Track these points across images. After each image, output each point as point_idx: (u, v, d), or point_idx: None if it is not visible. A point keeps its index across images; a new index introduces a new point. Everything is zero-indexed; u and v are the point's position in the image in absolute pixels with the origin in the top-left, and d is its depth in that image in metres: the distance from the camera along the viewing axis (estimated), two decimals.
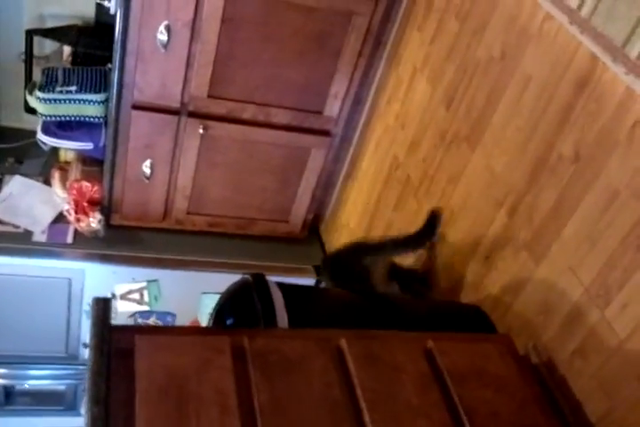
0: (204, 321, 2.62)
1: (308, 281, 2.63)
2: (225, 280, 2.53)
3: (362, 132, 2.52)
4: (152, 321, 2.59)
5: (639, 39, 1.20)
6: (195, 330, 1.44)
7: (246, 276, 1.49)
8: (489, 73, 1.70)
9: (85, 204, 2.48)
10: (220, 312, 1.43)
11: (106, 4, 2.25)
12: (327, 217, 2.79)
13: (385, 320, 1.50)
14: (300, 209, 2.68)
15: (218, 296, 2.58)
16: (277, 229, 2.72)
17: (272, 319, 1.35)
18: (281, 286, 1.47)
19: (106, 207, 2.54)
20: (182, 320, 2.60)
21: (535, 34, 1.51)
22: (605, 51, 1.28)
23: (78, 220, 2.46)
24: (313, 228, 2.79)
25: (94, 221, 2.45)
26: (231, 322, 1.40)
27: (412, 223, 2.03)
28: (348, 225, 2.55)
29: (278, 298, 1.41)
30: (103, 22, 2.53)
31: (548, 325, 1.37)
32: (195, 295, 2.57)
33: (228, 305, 1.46)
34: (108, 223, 2.55)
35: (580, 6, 1.36)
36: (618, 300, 1.21)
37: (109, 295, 2.50)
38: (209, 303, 2.58)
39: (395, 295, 1.71)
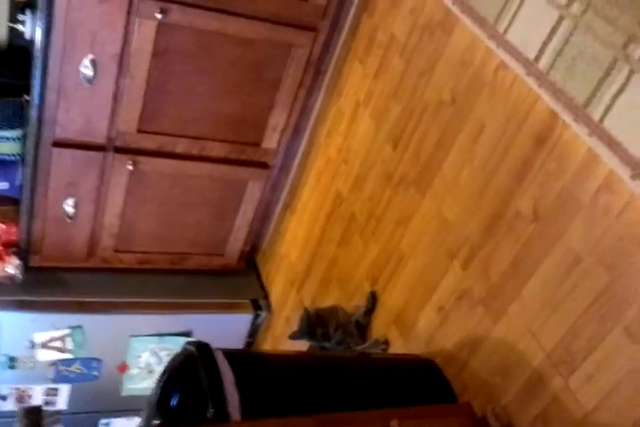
0: (134, 365, 2.47)
1: (246, 317, 2.52)
2: (154, 322, 2.42)
3: (301, 163, 2.43)
4: (75, 368, 2.41)
5: (601, 101, 1.16)
6: None
7: (190, 347, 1.36)
8: (438, 117, 1.65)
9: (0, 247, 2.28)
10: (165, 388, 1.31)
11: (20, 28, 2.07)
12: (264, 247, 2.69)
13: (335, 384, 1.41)
14: (236, 242, 2.56)
15: (149, 339, 2.46)
16: (212, 263, 2.59)
17: (221, 396, 1.24)
18: (227, 354, 1.35)
19: (23, 250, 2.34)
20: (109, 365, 2.43)
21: (489, 82, 1.46)
22: (566, 108, 1.24)
23: None
24: (249, 259, 2.68)
25: (10, 267, 2.25)
26: (176, 400, 1.28)
27: (357, 264, 1.96)
28: (288, 257, 2.45)
29: (226, 371, 1.30)
30: (16, 46, 2.34)
31: (507, 387, 1.32)
32: (122, 339, 2.41)
33: (173, 381, 1.33)
34: (26, 266, 2.35)
35: (537, 58, 1.32)
36: (583, 370, 1.17)
37: (27, 344, 2.31)
38: (138, 347, 2.43)
39: (341, 354, 1.62)
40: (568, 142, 1.24)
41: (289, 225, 2.48)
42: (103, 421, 2.61)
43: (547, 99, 1.28)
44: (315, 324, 1.72)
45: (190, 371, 1.30)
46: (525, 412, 1.26)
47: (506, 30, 1.40)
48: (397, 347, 1.69)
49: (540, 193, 1.30)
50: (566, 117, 1.23)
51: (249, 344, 2.59)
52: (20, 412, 0.95)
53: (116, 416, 2.60)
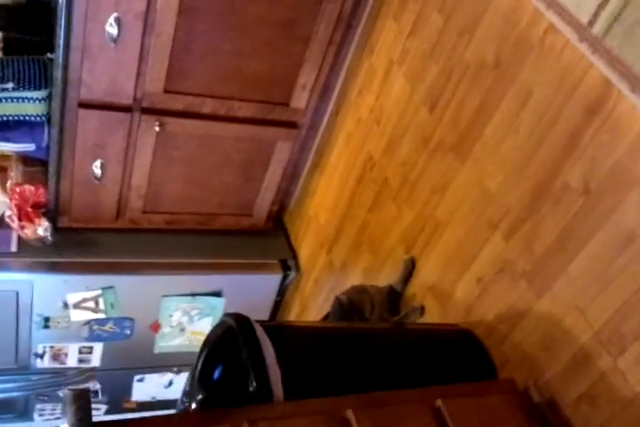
0: (166, 324, 2.50)
1: (275, 277, 2.52)
2: (185, 282, 2.43)
3: (330, 122, 2.36)
4: (108, 327, 2.44)
5: None
6: (186, 417, 1.25)
7: (229, 320, 1.36)
8: (480, 80, 1.57)
9: (29, 209, 2.26)
10: (206, 361, 1.31)
11: None
12: (292, 207, 2.66)
13: (374, 356, 1.41)
14: (264, 202, 2.53)
15: (181, 298, 2.48)
16: (240, 223, 2.57)
17: (263, 371, 1.24)
18: (266, 328, 1.35)
19: (52, 211, 2.33)
20: (142, 324, 2.46)
21: (536, 45, 1.38)
22: (622, 78, 1.16)
23: (22, 227, 2.24)
24: (277, 219, 2.66)
25: (40, 229, 2.25)
26: (218, 374, 1.28)
27: (389, 229, 1.93)
28: (317, 219, 2.43)
29: (267, 345, 1.29)
30: (36, 1, 2.26)
31: (551, 362, 1.30)
32: (154, 299, 2.43)
33: (214, 354, 1.33)
34: (55, 227, 2.34)
35: (591, 23, 1.24)
36: (633, 350, 1.14)
37: (61, 304, 2.34)
38: (170, 306, 2.45)
39: (378, 325, 1.61)
40: (623, 113, 1.17)
41: (318, 186, 2.44)
42: (137, 377, 2.67)
43: (601, 67, 1.21)
44: (348, 310, 1.70)
45: (231, 344, 1.29)
46: (570, 389, 1.24)
47: None
48: (434, 315, 1.68)
49: (590, 166, 1.24)
50: (622, 87, 1.16)
51: (277, 303, 2.60)
52: (69, 397, 0.94)
53: (149, 372, 2.66)
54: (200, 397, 1.25)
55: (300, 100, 2.25)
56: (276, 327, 1.39)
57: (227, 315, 1.41)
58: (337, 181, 2.29)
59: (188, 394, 1.37)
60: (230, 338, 1.30)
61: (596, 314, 1.22)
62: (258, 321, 1.39)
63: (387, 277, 1.91)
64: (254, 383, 1.22)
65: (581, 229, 1.26)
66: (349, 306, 1.67)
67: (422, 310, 1.74)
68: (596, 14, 1.22)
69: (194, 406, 1.27)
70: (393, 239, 1.90)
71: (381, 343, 1.44)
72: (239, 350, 1.28)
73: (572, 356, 1.25)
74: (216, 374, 1.28)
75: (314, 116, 2.32)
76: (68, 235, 2.39)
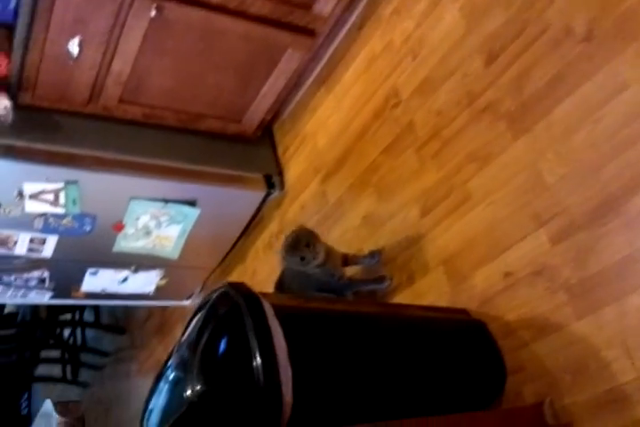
0: (131, 226, 2.31)
1: (256, 194, 2.33)
2: (158, 187, 2.21)
3: (350, 35, 2.06)
4: (66, 222, 2.23)
5: None
6: None
7: (236, 295, 1.20)
8: (561, 50, 1.34)
9: None
10: (208, 348, 1.17)
11: None
12: (285, 117, 2.40)
13: (383, 344, 1.31)
14: (258, 109, 2.27)
15: (151, 203, 2.28)
16: (227, 128, 2.32)
17: (274, 370, 1.12)
18: (277, 311, 1.20)
19: (14, 85, 2.00)
20: (104, 223, 2.26)
21: None
22: None
23: None
24: (267, 129, 2.41)
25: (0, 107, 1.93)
26: (222, 369, 1.15)
27: (406, 182, 1.75)
28: (315, 139, 2.21)
29: (278, 337, 1.15)
30: None
31: (575, 389, 1.24)
32: (121, 200, 2.22)
33: (217, 340, 1.19)
34: (16, 103, 2.03)
35: None
36: None
37: (15, 193, 2.09)
38: (137, 209, 2.26)
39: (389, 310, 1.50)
40: None
41: (320, 104, 2.19)
42: (91, 270, 2.51)
43: None
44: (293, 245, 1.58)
45: (238, 329, 1.15)
46: (595, 424, 1.19)
47: None
48: (441, 291, 1.57)
49: None
50: None
51: (252, 220, 2.44)
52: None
53: (104, 267, 2.51)
54: (200, 388, 1.12)
55: (326, 5, 1.93)
56: (288, 313, 1.24)
57: (231, 286, 1.25)
58: (347, 106, 2.05)
59: (182, 366, 1.24)
60: (237, 320, 1.16)
61: None
62: (264, 296, 1.24)
63: (390, 232, 1.77)
64: (263, 383, 1.10)
65: None
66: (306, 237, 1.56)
67: (389, 283, 1.68)
68: None
69: (189, 392, 1.14)
70: (408, 194, 1.74)
71: (387, 332, 1.33)
72: (247, 337, 1.14)
73: (606, 392, 1.18)
74: (220, 366, 1.15)
75: (335, 26, 2.03)
76: (31, 115, 2.09)
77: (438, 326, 1.42)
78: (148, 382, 3.46)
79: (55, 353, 4.36)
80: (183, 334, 1.33)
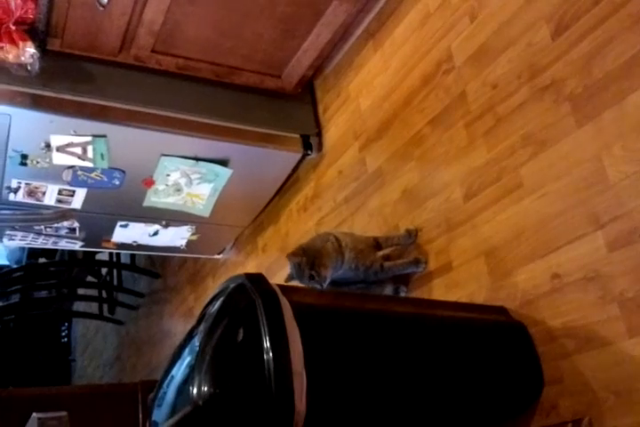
0: (161, 182, 2.23)
1: (292, 156, 2.21)
2: (190, 144, 2.11)
3: None
4: (95, 175, 2.15)
5: None
6: None
7: (251, 289, 1.11)
8: None
9: (12, 27, 1.81)
10: (220, 348, 1.09)
11: None
12: (328, 73, 2.23)
13: (407, 346, 1.21)
14: (299, 65, 2.11)
15: (182, 160, 2.19)
16: (265, 83, 2.17)
17: (287, 378, 1.04)
18: (296, 311, 1.11)
19: (41, 32, 1.89)
20: (134, 178, 2.18)
21: None
22: None
23: (1, 48, 1.81)
24: (308, 86, 2.25)
25: (25, 54, 1.82)
26: (234, 351, 1.07)
27: (452, 159, 1.60)
28: (357, 101, 2.04)
29: (295, 341, 1.06)
30: None
31: (619, 412, 1.13)
32: (152, 156, 2.13)
33: (229, 328, 1.11)
34: (44, 50, 1.92)
35: None
36: None
37: (43, 144, 2.01)
38: (168, 166, 2.17)
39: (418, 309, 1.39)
40: None
41: (367, 61, 2.01)
42: (121, 222, 2.46)
43: None
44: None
45: (253, 330, 1.07)
46: None
47: None
48: (480, 283, 1.46)
49: None
50: None
51: (286, 180, 2.32)
52: None
53: (134, 221, 2.45)
54: (206, 390, 1.05)
55: None
56: (308, 313, 1.14)
57: (249, 279, 1.16)
58: (395, 67, 1.88)
59: (195, 356, 1.17)
60: (252, 319, 1.07)
61: None
62: (284, 291, 1.15)
63: (430, 211, 1.64)
64: (274, 390, 1.02)
65: None
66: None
67: (423, 266, 1.59)
68: None
69: (195, 392, 1.07)
70: (451, 173, 1.59)
71: (420, 339, 1.23)
72: (260, 338, 1.06)
73: None
74: (230, 368, 1.07)
75: None
76: (59, 62, 1.97)
77: (476, 331, 1.31)
78: (180, 326, 3.47)
79: (93, 291, 4.45)
80: (199, 320, 1.25)
